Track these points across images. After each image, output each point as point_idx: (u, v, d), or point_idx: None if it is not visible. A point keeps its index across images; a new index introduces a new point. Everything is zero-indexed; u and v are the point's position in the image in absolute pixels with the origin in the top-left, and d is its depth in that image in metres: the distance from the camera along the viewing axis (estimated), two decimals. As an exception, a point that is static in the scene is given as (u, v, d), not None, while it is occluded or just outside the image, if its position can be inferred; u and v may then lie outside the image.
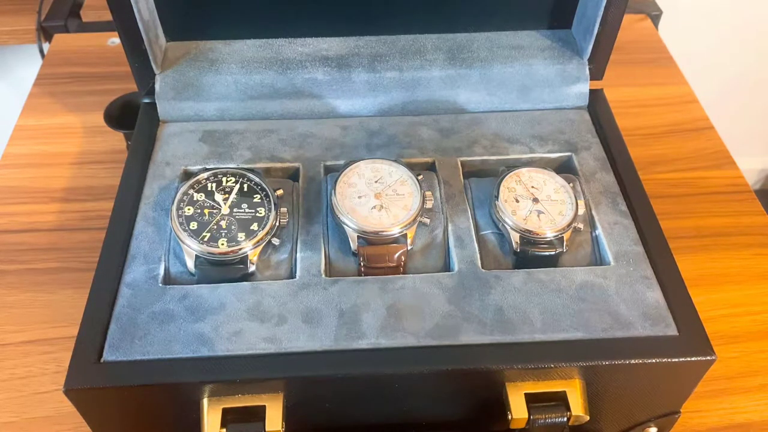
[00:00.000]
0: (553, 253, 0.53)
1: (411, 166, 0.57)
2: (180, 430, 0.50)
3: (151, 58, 0.61)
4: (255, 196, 0.54)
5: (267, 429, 0.46)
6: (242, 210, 0.53)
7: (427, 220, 0.55)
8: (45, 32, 0.93)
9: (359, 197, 0.54)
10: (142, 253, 0.53)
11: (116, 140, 0.77)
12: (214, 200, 0.54)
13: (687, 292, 0.51)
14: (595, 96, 0.66)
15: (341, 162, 0.59)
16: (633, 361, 0.47)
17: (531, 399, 0.48)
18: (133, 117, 0.64)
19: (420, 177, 0.56)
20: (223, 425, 0.46)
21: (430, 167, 0.61)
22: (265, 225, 0.52)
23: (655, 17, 0.97)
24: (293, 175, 0.60)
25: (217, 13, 0.64)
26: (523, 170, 0.57)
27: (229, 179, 0.55)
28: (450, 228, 0.55)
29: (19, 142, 0.78)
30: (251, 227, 0.52)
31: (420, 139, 0.62)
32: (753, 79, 1.40)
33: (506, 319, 0.49)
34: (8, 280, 0.65)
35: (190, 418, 0.48)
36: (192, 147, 0.61)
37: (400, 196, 0.54)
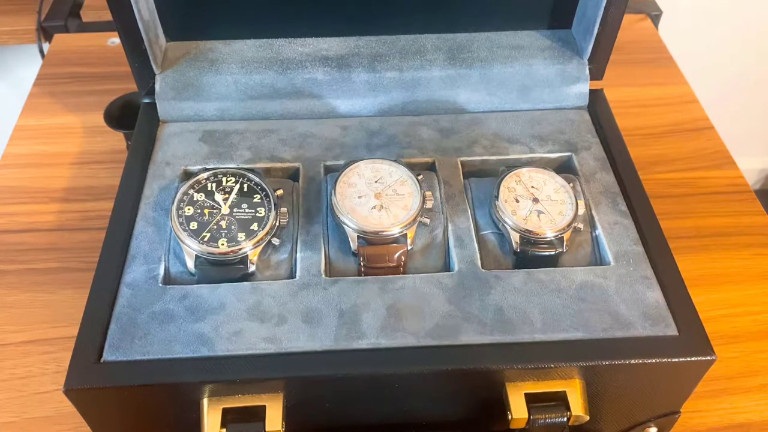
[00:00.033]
0: (553, 253, 0.53)
1: (411, 166, 0.57)
2: (180, 430, 0.50)
3: (151, 58, 0.61)
4: (255, 196, 0.54)
5: (267, 429, 0.46)
6: (242, 210, 0.53)
7: (427, 220, 0.55)
8: (45, 32, 0.93)
9: (359, 197, 0.54)
10: (142, 253, 0.53)
11: (116, 140, 0.77)
12: (214, 200, 0.54)
13: (687, 292, 0.51)
14: (595, 96, 0.66)
15: (341, 162, 0.59)
16: (633, 361, 0.47)
17: (531, 399, 0.48)
18: (133, 117, 0.64)
19: (420, 177, 0.56)
20: (223, 425, 0.46)
21: (430, 167, 0.61)
22: (265, 225, 0.52)
23: (655, 17, 0.97)
24: (293, 175, 0.60)
25: (217, 13, 0.64)
26: (523, 170, 0.57)
27: (229, 179, 0.55)
28: (450, 228, 0.55)
29: (19, 142, 0.78)
30: (251, 227, 0.52)
31: (420, 139, 0.62)
32: (753, 79, 1.40)
33: (506, 319, 0.49)
34: (8, 280, 0.65)
35: (190, 418, 0.48)
36: (192, 147, 0.61)
37: (400, 196, 0.54)
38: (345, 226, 0.53)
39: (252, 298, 0.50)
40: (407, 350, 0.48)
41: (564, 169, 0.61)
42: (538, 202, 0.55)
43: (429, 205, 0.54)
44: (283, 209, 0.54)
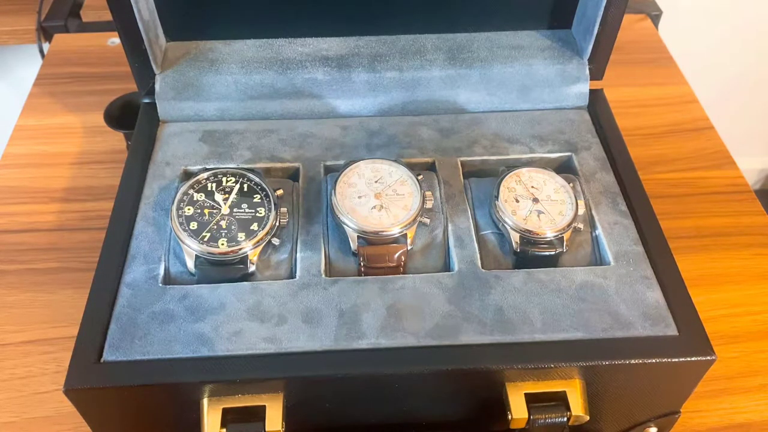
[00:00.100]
0: (553, 253, 0.53)
1: (411, 166, 0.57)
2: (180, 430, 0.50)
3: (151, 58, 0.61)
4: (255, 196, 0.54)
5: (267, 429, 0.46)
6: (242, 210, 0.53)
7: (427, 220, 0.55)
8: (45, 32, 0.93)
9: (359, 197, 0.54)
10: (142, 253, 0.53)
11: (116, 140, 0.77)
12: (214, 200, 0.54)
13: (687, 292, 0.51)
14: (595, 96, 0.66)
15: (341, 162, 0.59)
16: (633, 361, 0.47)
17: (531, 399, 0.48)
18: (133, 117, 0.64)
19: (420, 177, 0.56)
20: (223, 425, 0.46)
21: (430, 167, 0.61)
22: (265, 225, 0.52)
23: (655, 17, 0.97)
24: (293, 175, 0.60)
25: (217, 13, 0.64)
26: (523, 170, 0.57)
27: (229, 179, 0.55)
28: (450, 228, 0.55)
29: (19, 142, 0.78)
30: (251, 227, 0.52)
31: (420, 139, 0.62)
32: (753, 79, 1.40)
33: (506, 319, 0.49)
34: (8, 280, 0.65)
35: (190, 418, 0.48)
36: (192, 147, 0.61)
37: (400, 196, 0.54)
38: (345, 226, 0.53)
39: (252, 298, 0.50)
40: (407, 350, 0.48)
41: (564, 169, 0.61)
42: (538, 202, 0.55)
43: (429, 205, 0.54)
44: (283, 209, 0.54)
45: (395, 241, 0.53)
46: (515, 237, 0.53)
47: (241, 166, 0.59)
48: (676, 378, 0.49)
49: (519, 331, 0.49)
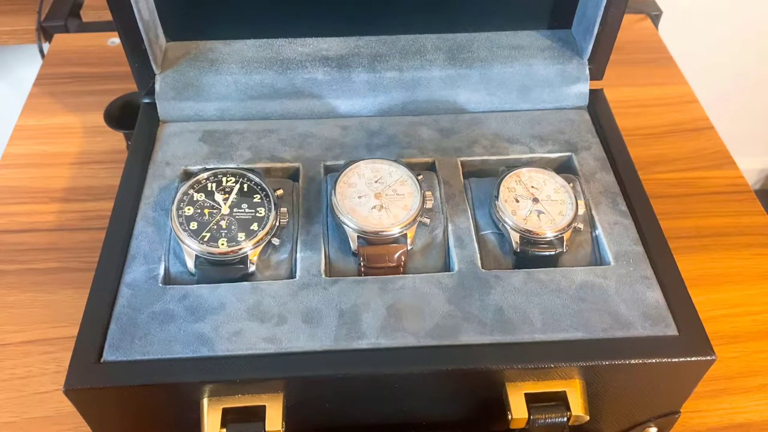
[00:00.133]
0: (553, 253, 0.53)
1: (411, 166, 0.57)
2: (180, 430, 0.50)
3: (151, 58, 0.61)
4: (255, 196, 0.54)
5: (267, 429, 0.46)
6: (242, 210, 0.53)
7: (427, 220, 0.55)
8: (45, 32, 0.93)
9: (359, 197, 0.54)
10: (142, 253, 0.53)
11: (116, 140, 0.77)
12: (214, 200, 0.54)
13: (687, 292, 0.51)
14: (595, 96, 0.66)
15: (341, 162, 0.59)
16: (633, 361, 0.47)
17: (531, 399, 0.48)
18: (133, 117, 0.64)
19: (420, 177, 0.56)
20: (223, 425, 0.46)
21: (430, 167, 0.61)
22: (265, 225, 0.52)
23: (655, 17, 0.97)
24: (293, 175, 0.60)
25: (217, 13, 0.64)
26: (523, 170, 0.57)
27: (229, 179, 0.55)
28: (450, 228, 0.55)
29: (19, 142, 0.78)
30: (251, 227, 0.52)
31: (420, 139, 0.62)
32: (753, 79, 1.40)
33: (506, 319, 0.49)
34: (8, 280, 0.65)
35: (190, 418, 0.48)
36: (192, 147, 0.61)
37: (400, 196, 0.54)
38: (345, 226, 0.53)
39: (252, 298, 0.50)
40: (407, 350, 0.48)
41: (564, 169, 0.61)
42: (538, 202, 0.55)
43: (429, 205, 0.54)
44: (283, 209, 0.54)
45: (395, 241, 0.53)
46: (515, 237, 0.53)
47: (241, 166, 0.59)
48: (676, 378, 0.49)
49: (519, 331, 0.49)
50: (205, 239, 0.51)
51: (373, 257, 0.52)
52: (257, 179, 0.55)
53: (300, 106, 0.64)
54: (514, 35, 0.67)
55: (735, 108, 1.43)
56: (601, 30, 0.62)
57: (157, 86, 0.63)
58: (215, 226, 0.52)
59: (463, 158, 0.61)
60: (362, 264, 0.52)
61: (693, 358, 0.47)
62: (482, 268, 0.53)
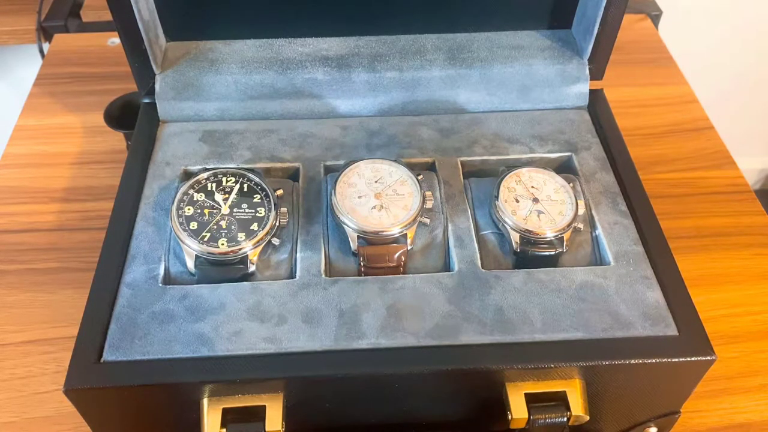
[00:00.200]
0: (553, 253, 0.53)
1: (411, 166, 0.57)
2: (180, 430, 0.50)
3: (151, 58, 0.61)
4: (255, 196, 0.54)
5: (267, 429, 0.46)
6: (242, 210, 0.53)
7: (427, 220, 0.55)
8: (45, 32, 0.93)
9: (359, 197, 0.54)
10: (142, 253, 0.53)
11: (116, 140, 0.77)
12: (214, 200, 0.54)
13: (687, 292, 0.51)
14: (595, 96, 0.66)
15: (341, 162, 0.59)
16: (633, 361, 0.47)
17: (531, 399, 0.48)
18: (133, 117, 0.64)
19: (420, 177, 0.56)
20: (223, 425, 0.46)
21: (430, 167, 0.61)
22: (265, 225, 0.52)
23: (655, 17, 0.97)
24: (293, 175, 0.60)
25: (217, 13, 0.64)
26: (523, 170, 0.57)
27: (229, 179, 0.55)
28: (450, 228, 0.55)
29: (19, 142, 0.78)
30: (251, 227, 0.52)
31: (420, 139, 0.62)
32: (753, 79, 1.40)
33: (506, 319, 0.49)
34: (8, 280, 0.65)
35: (190, 418, 0.48)
36: (192, 147, 0.61)
37: (400, 196, 0.54)
38: (345, 226, 0.53)
39: (252, 298, 0.50)
40: (407, 350, 0.48)
41: (564, 169, 0.61)
42: (538, 202, 0.55)
43: (429, 205, 0.54)
44: (283, 209, 0.54)
45: (395, 241, 0.53)
46: (515, 237, 0.53)
47: (241, 166, 0.59)
48: (676, 378, 0.49)
49: (519, 331, 0.49)
50: (205, 239, 0.51)
51: (373, 257, 0.52)
52: (257, 179, 0.55)
53: (300, 106, 0.64)
54: (514, 35, 0.67)
55: (735, 108, 1.43)
56: (601, 30, 0.62)
57: (157, 86, 0.63)
58: (215, 226, 0.52)
59: (463, 158, 0.61)
60: (362, 264, 0.52)
61: (693, 358, 0.47)
62: (482, 268, 0.53)
